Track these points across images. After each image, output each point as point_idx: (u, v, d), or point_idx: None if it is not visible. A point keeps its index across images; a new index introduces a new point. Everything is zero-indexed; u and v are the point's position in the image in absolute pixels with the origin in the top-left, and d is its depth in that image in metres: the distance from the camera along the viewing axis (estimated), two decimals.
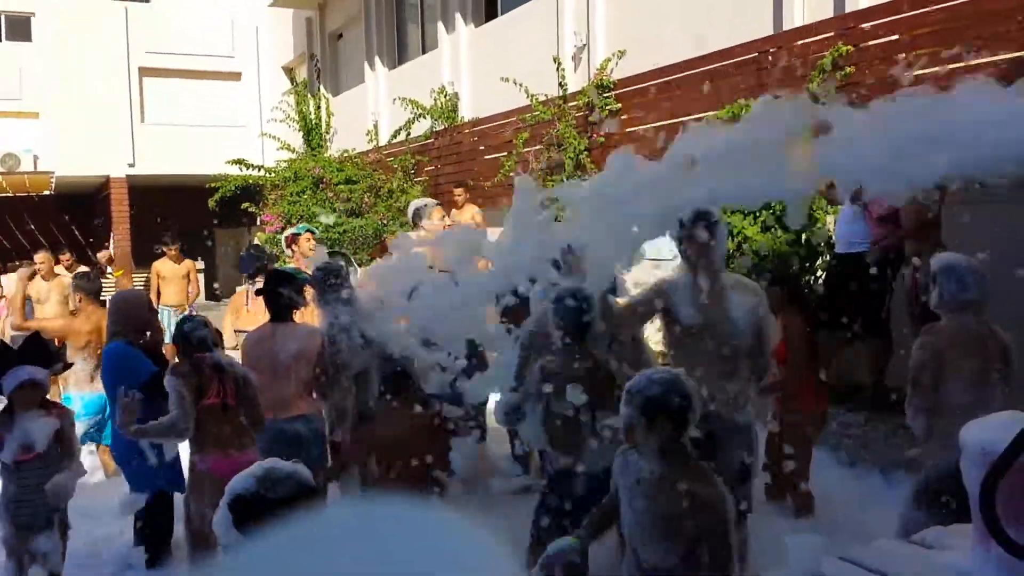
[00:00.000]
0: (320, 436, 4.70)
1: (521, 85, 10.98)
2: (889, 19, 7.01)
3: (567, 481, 3.85)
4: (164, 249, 10.56)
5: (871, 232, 5.80)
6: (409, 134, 14.09)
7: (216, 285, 19.49)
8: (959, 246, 5.05)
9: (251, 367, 4.64)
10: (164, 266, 10.51)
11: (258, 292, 4.97)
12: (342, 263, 5.36)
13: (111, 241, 20.38)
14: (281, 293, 4.68)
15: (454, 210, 9.70)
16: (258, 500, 2.23)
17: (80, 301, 6.71)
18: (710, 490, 2.80)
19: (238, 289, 8.39)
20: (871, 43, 7.14)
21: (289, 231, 8.43)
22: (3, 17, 20.78)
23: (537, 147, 10.88)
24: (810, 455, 5.27)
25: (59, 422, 4.22)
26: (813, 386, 5.33)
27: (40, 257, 9.18)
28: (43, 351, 4.28)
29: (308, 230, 8.25)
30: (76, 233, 23.12)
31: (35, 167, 20.15)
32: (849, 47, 7.25)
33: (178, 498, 4.89)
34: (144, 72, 20.95)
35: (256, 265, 7.24)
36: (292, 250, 7.91)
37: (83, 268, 9.78)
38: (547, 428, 3.94)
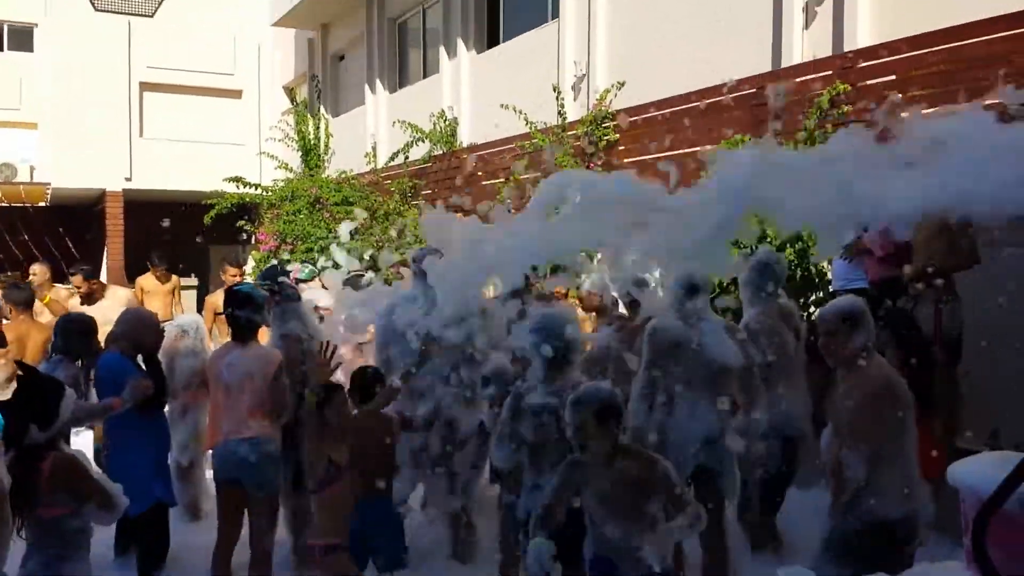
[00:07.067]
0: (269, 459, 4.62)
1: (520, 112, 11.05)
2: (887, 60, 7.09)
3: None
4: (151, 267, 10.67)
5: (868, 271, 5.79)
6: (407, 157, 14.15)
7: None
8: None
9: (211, 385, 4.81)
10: (148, 281, 10.61)
11: (219, 314, 5.08)
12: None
13: (111, 255, 20.35)
14: (238, 315, 4.72)
15: None
16: None
17: (11, 311, 6.69)
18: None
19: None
20: (869, 82, 7.23)
21: (297, 274, 8.43)
22: (6, 27, 20.87)
23: (536, 174, 10.93)
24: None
25: None
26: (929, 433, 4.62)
27: (35, 269, 9.17)
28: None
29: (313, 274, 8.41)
30: (70, 245, 23.10)
31: (31, 178, 20.17)
32: (847, 86, 7.32)
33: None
34: (145, 87, 21.02)
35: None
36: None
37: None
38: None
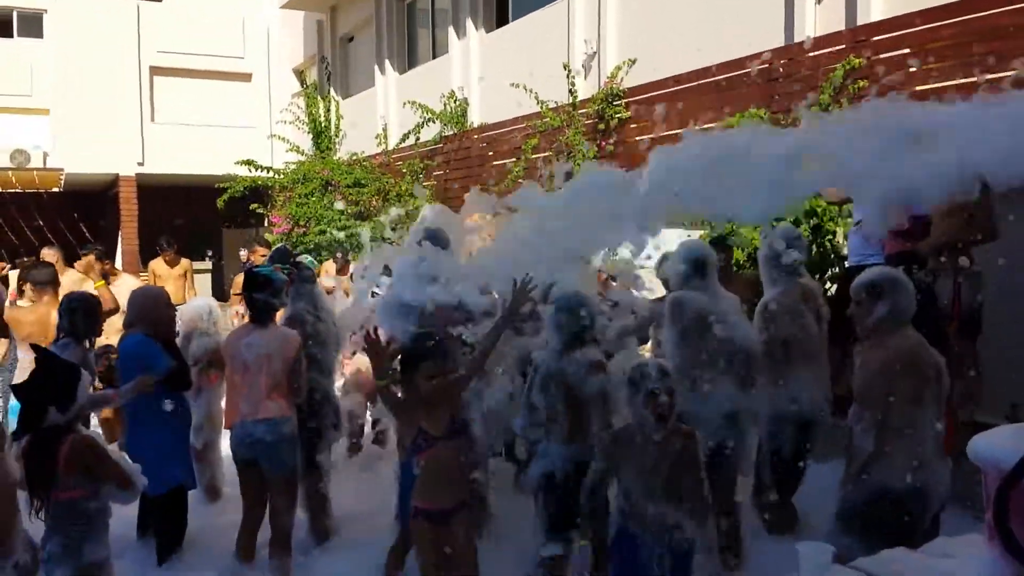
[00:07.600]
0: (286, 440, 4.65)
1: (531, 91, 11.00)
2: (901, 33, 7.02)
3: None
4: (160, 251, 10.75)
5: (885, 246, 5.73)
6: (418, 138, 14.13)
7: (224, 285, 19.52)
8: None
9: (228, 366, 4.84)
10: (159, 266, 10.68)
11: (238, 295, 5.09)
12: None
13: (119, 240, 20.41)
14: (257, 298, 4.74)
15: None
16: None
17: (32, 291, 6.51)
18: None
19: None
20: (882, 56, 7.15)
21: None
22: (15, 13, 20.84)
23: (546, 153, 10.90)
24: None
25: None
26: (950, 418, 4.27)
27: (46, 253, 9.17)
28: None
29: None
30: (85, 231, 23.17)
31: (44, 164, 20.19)
32: (861, 60, 7.25)
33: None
34: (155, 71, 21.02)
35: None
36: None
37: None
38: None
